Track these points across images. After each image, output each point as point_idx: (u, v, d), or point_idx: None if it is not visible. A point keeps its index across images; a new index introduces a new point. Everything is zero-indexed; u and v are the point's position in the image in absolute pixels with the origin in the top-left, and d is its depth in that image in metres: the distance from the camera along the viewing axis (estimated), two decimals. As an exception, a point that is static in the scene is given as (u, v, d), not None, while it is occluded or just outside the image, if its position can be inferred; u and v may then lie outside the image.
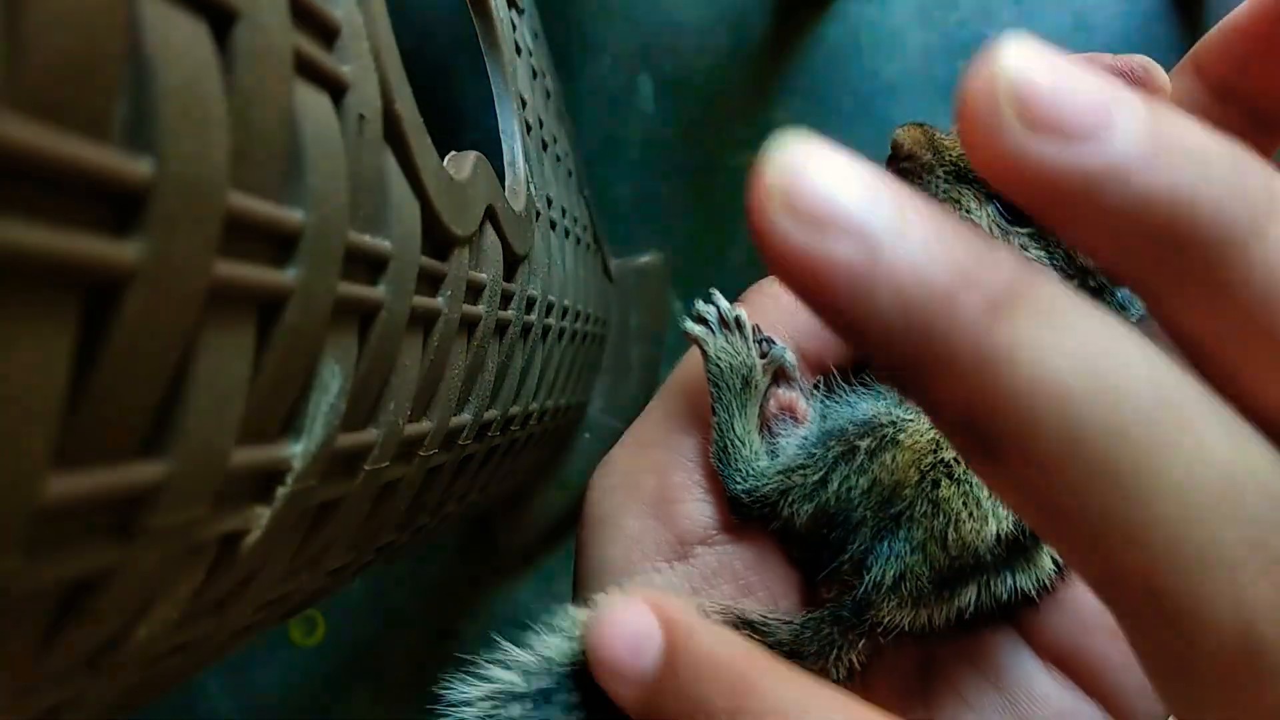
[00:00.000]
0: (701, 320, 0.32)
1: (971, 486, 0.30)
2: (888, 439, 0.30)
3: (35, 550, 0.14)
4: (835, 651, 0.30)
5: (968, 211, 0.31)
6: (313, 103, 0.20)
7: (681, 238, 1.18)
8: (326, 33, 0.21)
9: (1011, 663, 0.32)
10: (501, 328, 0.40)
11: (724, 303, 0.32)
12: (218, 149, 0.15)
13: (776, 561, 0.32)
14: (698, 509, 0.31)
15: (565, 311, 0.59)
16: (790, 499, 0.31)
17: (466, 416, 0.38)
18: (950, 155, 0.31)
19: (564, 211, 0.64)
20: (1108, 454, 0.13)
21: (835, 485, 0.30)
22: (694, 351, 0.32)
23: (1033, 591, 0.31)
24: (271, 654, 1.14)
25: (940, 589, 0.30)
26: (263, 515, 0.21)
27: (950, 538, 0.30)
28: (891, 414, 0.30)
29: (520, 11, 0.61)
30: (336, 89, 0.21)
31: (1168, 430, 0.13)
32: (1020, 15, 1.13)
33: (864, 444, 0.30)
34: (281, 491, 0.21)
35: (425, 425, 0.32)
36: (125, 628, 0.19)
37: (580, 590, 0.32)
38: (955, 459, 0.30)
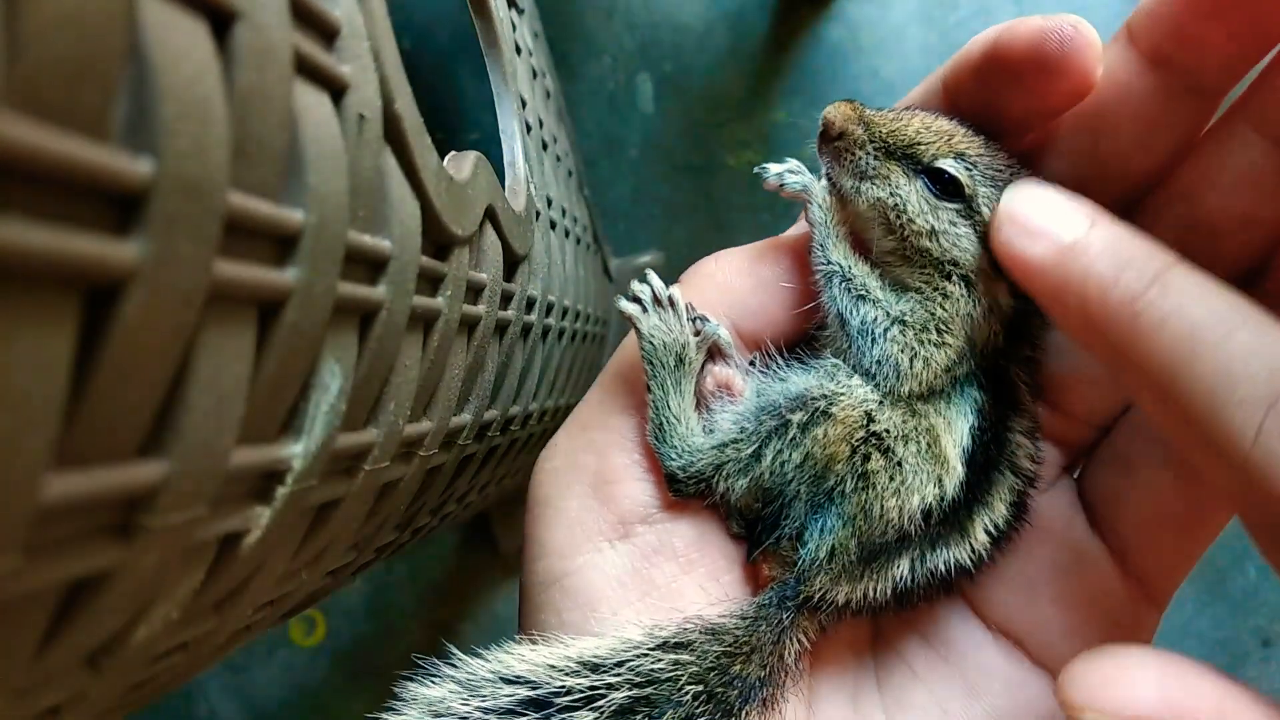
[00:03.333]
0: (636, 300, 0.33)
1: (900, 461, 0.30)
2: (819, 412, 0.30)
3: (35, 550, 0.14)
4: (786, 635, 0.31)
5: (897, 186, 0.31)
6: (313, 103, 0.20)
7: (681, 238, 1.18)
8: (326, 33, 0.21)
9: (960, 635, 0.33)
10: (501, 328, 0.40)
11: (658, 282, 0.33)
12: (218, 149, 0.15)
13: (716, 538, 0.32)
14: (637, 488, 0.32)
15: (565, 311, 0.59)
16: (725, 474, 0.31)
17: (466, 416, 0.38)
18: (880, 131, 0.31)
19: (564, 211, 0.64)
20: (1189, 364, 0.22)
21: (768, 460, 0.31)
22: (633, 334, 0.33)
23: (968, 563, 0.31)
24: (271, 654, 1.14)
25: (869, 562, 0.31)
26: (263, 515, 0.21)
27: (877, 511, 0.30)
28: (824, 388, 0.31)
29: (520, 11, 0.61)
30: (336, 89, 0.21)
31: (1231, 346, 0.22)
32: (1019, 15, 1.13)
33: (796, 418, 0.31)
34: (281, 491, 0.21)
35: (425, 425, 0.32)
36: (125, 628, 0.19)
37: (524, 568, 0.32)
38: (886, 431, 0.31)
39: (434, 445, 0.33)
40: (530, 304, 0.46)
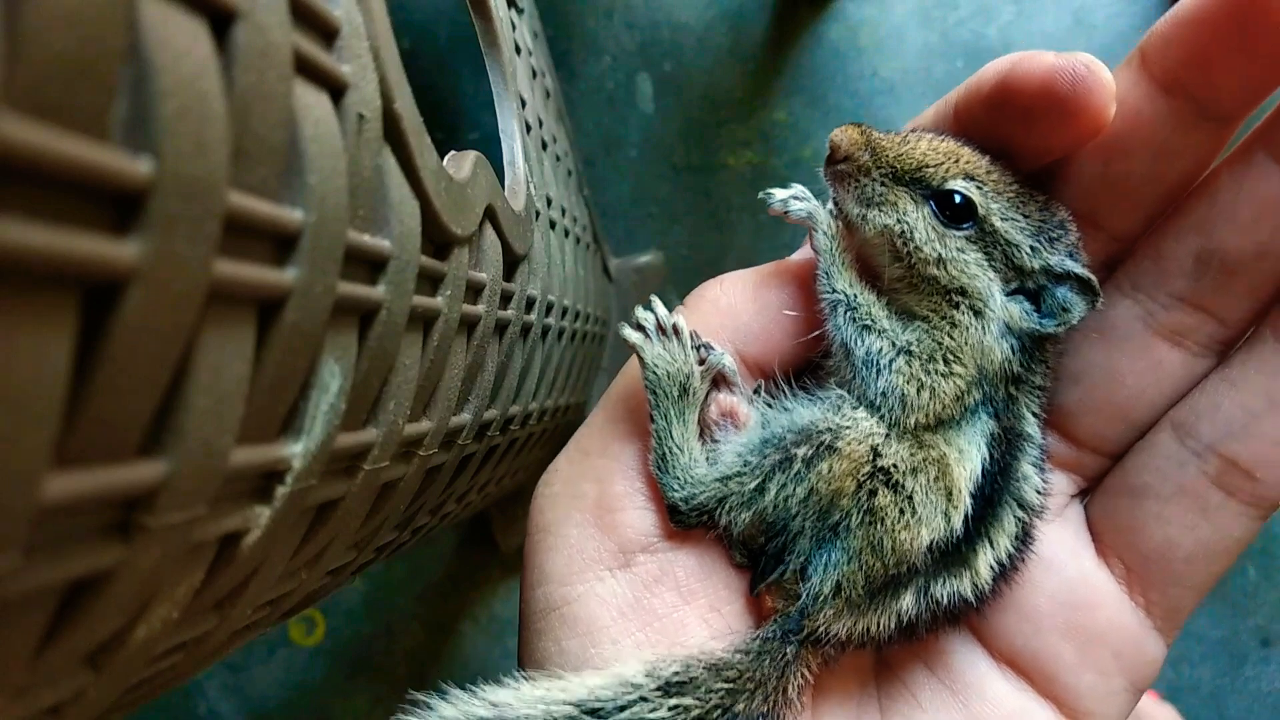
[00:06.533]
0: (640, 328, 0.32)
1: (910, 495, 0.30)
2: (824, 446, 0.30)
3: (35, 550, 0.14)
4: (789, 669, 0.30)
5: (904, 213, 0.30)
6: (313, 102, 0.20)
7: (681, 237, 1.18)
8: (326, 32, 0.21)
9: (965, 665, 0.32)
10: (501, 327, 0.40)
11: (662, 309, 0.32)
12: (217, 148, 0.15)
13: (719, 568, 0.32)
14: (639, 517, 0.31)
15: (565, 311, 0.59)
16: (728, 506, 0.30)
17: (466, 416, 0.38)
18: (887, 157, 0.31)
19: (564, 211, 0.64)
20: None
21: (772, 494, 0.30)
22: (635, 358, 0.32)
23: (970, 596, 0.31)
24: (271, 654, 1.14)
25: (874, 596, 0.30)
26: (263, 515, 0.21)
27: (886, 546, 0.30)
28: (829, 421, 0.30)
29: (520, 11, 0.61)
30: (336, 89, 0.21)
31: None
32: (1020, 15, 1.13)
33: (800, 452, 0.30)
34: (281, 491, 0.21)
35: (425, 425, 0.32)
36: (125, 628, 0.19)
37: (524, 594, 0.32)
38: (894, 466, 0.30)
39: (434, 445, 0.33)
40: (530, 304, 0.46)
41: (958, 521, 0.30)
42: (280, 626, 1.10)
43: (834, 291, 0.31)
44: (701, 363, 0.32)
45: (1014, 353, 0.31)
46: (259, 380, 0.19)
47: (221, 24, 0.16)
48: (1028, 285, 0.31)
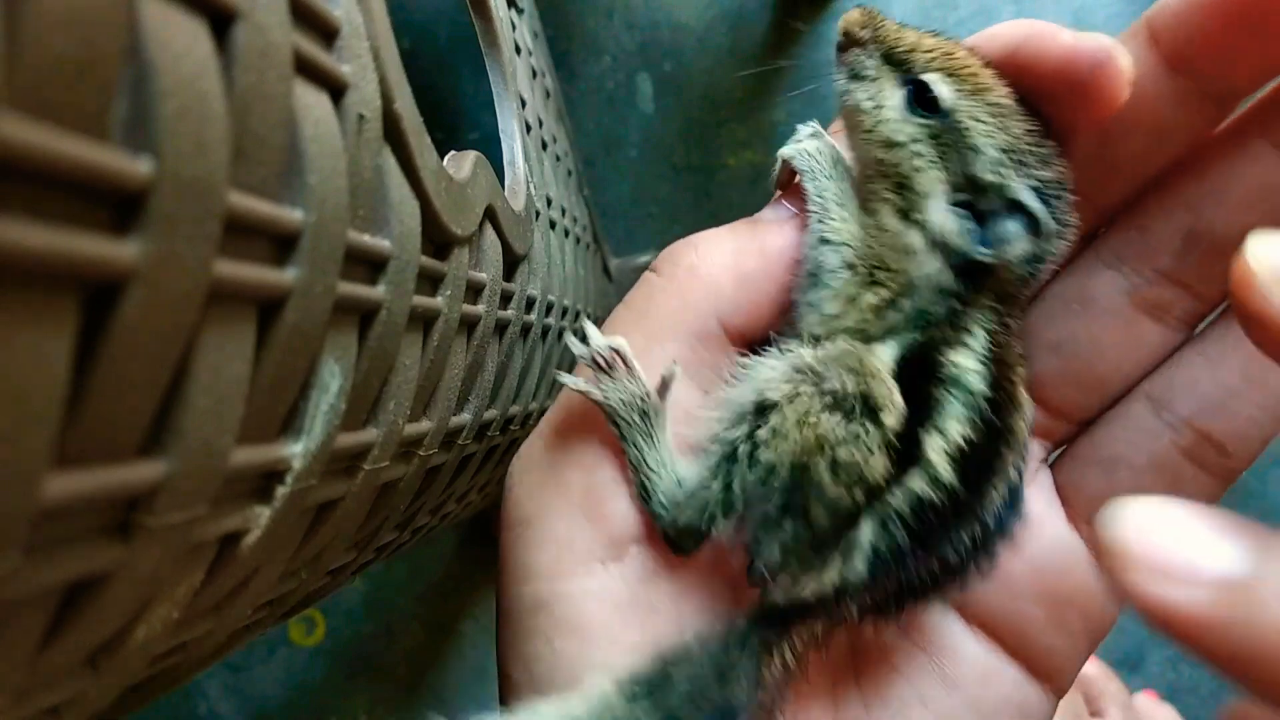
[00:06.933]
0: (588, 363, 0.30)
1: (833, 412, 0.28)
2: (767, 408, 0.28)
3: (35, 550, 0.14)
4: (770, 651, 0.29)
5: (880, 90, 0.30)
6: (313, 102, 0.20)
7: (681, 237, 1.17)
8: (326, 32, 0.21)
9: (939, 628, 0.32)
10: (501, 327, 0.40)
11: (598, 338, 0.31)
12: (217, 148, 0.15)
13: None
14: (629, 505, 0.30)
15: (565, 311, 0.59)
16: (708, 514, 0.29)
17: (466, 416, 0.38)
18: (885, 36, 0.31)
19: (564, 211, 0.64)
20: None
21: (736, 487, 0.29)
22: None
23: (934, 495, 0.28)
24: (271, 654, 1.14)
25: (826, 546, 0.28)
26: (263, 515, 0.21)
27: (821, 478, 0.28)
28: (760, 380, 0.29)
29: (520, 11, 0.61)
30: (336, 89, 0.21)
31: None
32: (1019, 15, 1.13)
33: (738, 433, 0.29)
34: (281, 491, 0.21)
35: (425, 425, 0.32)
36: (125, 628, 0.19)
37: (505, 591, 0.30)
38: (821, 390, 0.28)
39: (434, 445, 0.33)
40: (530, 304, 0.46)
41: (892, 421, 0.28)
42: (280, 626, 1.10)
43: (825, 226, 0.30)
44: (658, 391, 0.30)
45: (944, 273, 0.29)
46: (259, 380, 0.19)
47: (221, 24, 0.16)
48: (979, 205, 0.29)
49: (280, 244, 0.19)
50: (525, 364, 0.48)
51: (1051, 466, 0.34)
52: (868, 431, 0.28)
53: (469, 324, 0.35)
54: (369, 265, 0.24)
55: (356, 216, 0.22)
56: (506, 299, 0.40)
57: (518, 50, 0.54)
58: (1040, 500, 0.33)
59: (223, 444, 0.18)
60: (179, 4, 0.15)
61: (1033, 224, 0.29)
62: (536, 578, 0.30)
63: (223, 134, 0.15)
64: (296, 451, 0.21)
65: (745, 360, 0.30)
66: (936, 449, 0.29)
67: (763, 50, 1.15)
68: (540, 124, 0.59)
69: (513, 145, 0.48)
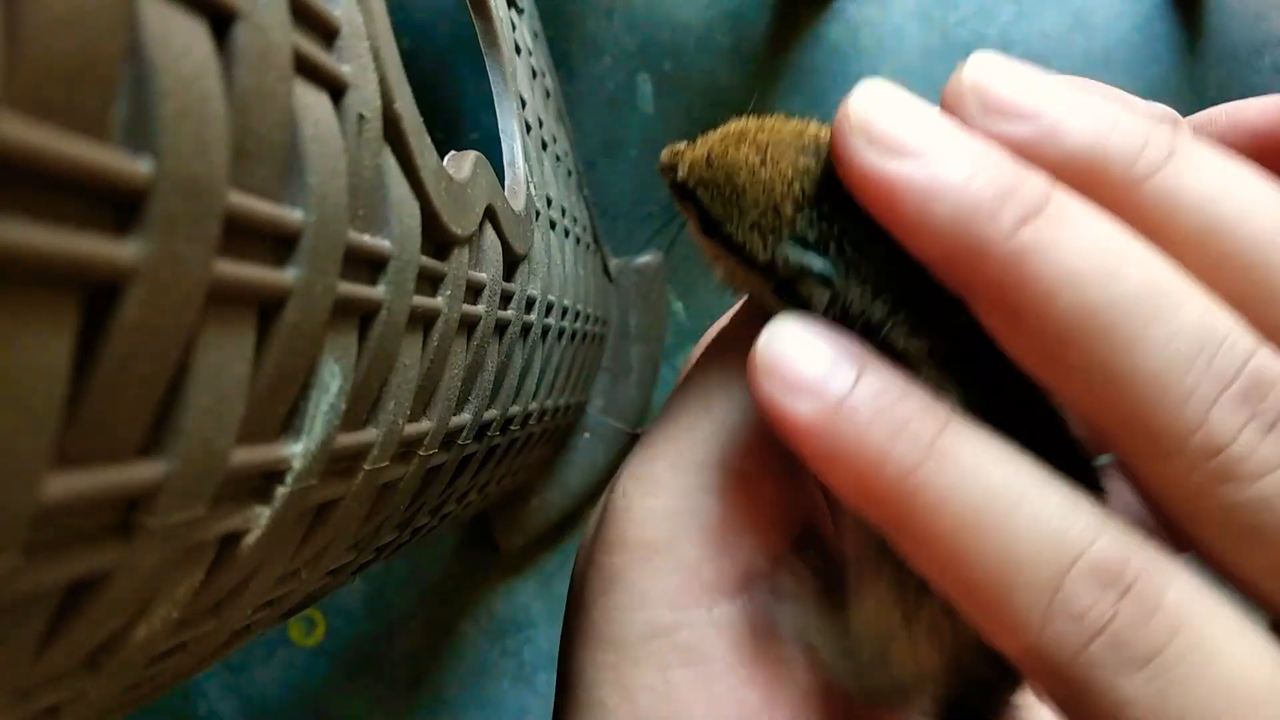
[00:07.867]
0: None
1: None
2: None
3: (35, 550, 0.14)
4: None
5: (689, 223, 0.29)
6: (313, 102, 0.20)
7: (681, 238, 1.17)
8: (326, 32, 0.21)
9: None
10: (501, 327, 0.40)
11: None
12: (218, 148, 0.15)
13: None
14: (766, 539, 0.28)
15: (565, 311, 0.59)
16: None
17: (466, 416, 0.38)
18: (679, 169, 0.29)
19: (564, 211, 0.64)
20: (1107, 319, 0.17)
21: None
22: (696, 355, 0.30)
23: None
24: (271, 654, 1.14)
25: None
26: (262, 515, 0.21)
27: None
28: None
29: (520, 11, 0.61)
30: (336, 89, 0.21)
31: (1153, 302, 0.17)
32: (1020, 15, 1.13)
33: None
34: (281, 491, 0.21)
35: (425, 425, 0.32)
36: (125, 628, 0.19)
37: (620, 615, 0.28)
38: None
39: (434, 445, 0.33)
40: (530, 304, 0.46)
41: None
42: (280, 626, 1.10)
43: None
44: None
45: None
46: (259, 380, 0.19)
47: (221, 24, 0.16)
48: (783, 281, 0.25)
49: (280, 244, 0.19)
50: (525, 364, 0.48)
51: None
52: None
53: (469, 324, 0.35)
54: (369, 265, 0.24)
55: (356, 216, 0.22)
56: (506, 299, 0.40)
57: (518, 50, 0.54)
58: None
59: (223, 444, 0.18)
60: (179, 4, 0.15)
61: (822, 279, 0.24)
62: (655, 604, 0.28)
63: (223, 134, 0.15)
64: (296, 451, 0.22)
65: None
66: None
67: (763, 50, 1.15)
68: (540, 124, 0.59)
69: (513, 145, 0.48)
